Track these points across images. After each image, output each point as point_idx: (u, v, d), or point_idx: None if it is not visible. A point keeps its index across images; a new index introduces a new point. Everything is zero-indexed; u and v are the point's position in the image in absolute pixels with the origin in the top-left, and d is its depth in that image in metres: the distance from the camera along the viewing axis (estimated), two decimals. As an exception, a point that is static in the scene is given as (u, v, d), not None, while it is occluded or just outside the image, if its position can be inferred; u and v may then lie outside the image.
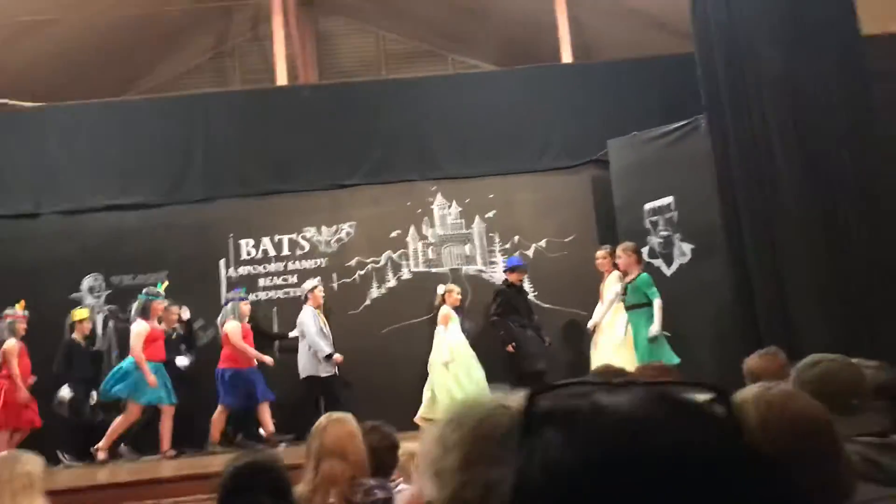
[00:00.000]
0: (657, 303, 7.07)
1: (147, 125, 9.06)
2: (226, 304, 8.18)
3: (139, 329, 7.61)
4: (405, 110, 9.20)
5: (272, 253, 9.00)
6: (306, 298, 8.26)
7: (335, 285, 8.83)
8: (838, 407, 1.92)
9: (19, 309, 7.86)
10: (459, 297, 8.31)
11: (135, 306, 7.83)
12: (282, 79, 9.85)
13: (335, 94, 9.54)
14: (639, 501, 0.49)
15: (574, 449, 0.52)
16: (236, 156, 9.07)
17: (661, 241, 8.03)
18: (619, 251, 7.33)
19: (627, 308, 7.26)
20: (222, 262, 8.90)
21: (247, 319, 8.07)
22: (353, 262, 8.94)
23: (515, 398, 1.83)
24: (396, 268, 8.96)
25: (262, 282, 8.90)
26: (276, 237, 9.01)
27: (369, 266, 8.87)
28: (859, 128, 5.83)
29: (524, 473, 0.54)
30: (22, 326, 7.75)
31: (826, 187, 5.96)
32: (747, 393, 1.83)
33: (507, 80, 9.57)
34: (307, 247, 9.02)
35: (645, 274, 7.31)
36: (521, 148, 9.09)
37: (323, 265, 8.96)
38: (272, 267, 8.90)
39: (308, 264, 8.91)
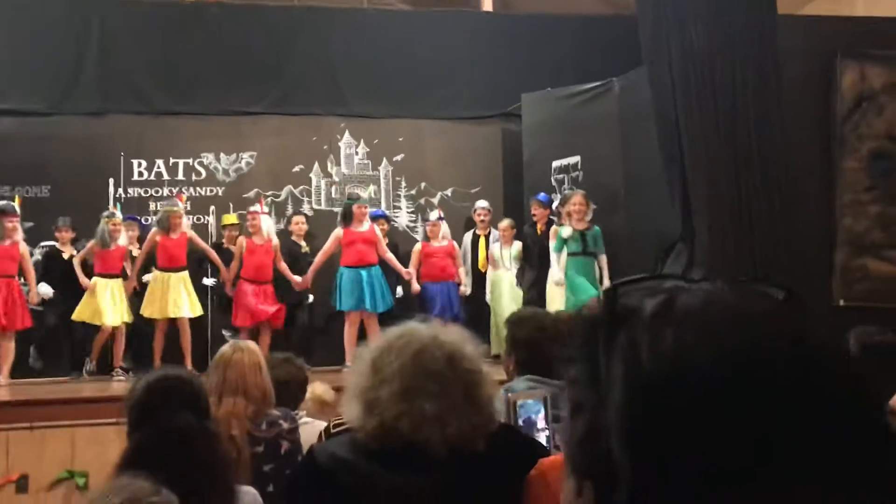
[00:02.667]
0: (604, 258, 7.20)
1: (36, 25, 8.37)
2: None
3: None
4: (317, 41, 8.89)
5: (166, 176, 8.57)
6: None
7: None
8: None
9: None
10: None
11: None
12: (189, -7, 9.30)
13: (245, 16, 9.10)
14: (762, 386, 0.51)
15: (694, 341, 0.52)
16: (133, 70, 8.54)
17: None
18: (580, 198, 7.23)
19: (583, 254, 7.20)
20: (111, 181, 8.41)
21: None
22: (251, 194, 8.63)
23: (450, 331, 1.80)
24: (297, 203, 8.72)
25: (152, 205, 8.48)
26: (171, 160, 8.59)
27: (269, 199, 8.59)
28: (769, 104, 6.03)
29: (635, 366, 0.53)
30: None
31: (734, 163, 6.14)
32: None
33: (424, 21, 9.39)
34: (204, 173, 8.65)
35: (598, 228, 7.34)
36: (434, 93, 8.97)
37: (219, 194, 8.62)
38: (165, 191, 8.48)
39: (204, 191, 8.54)
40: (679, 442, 0.50)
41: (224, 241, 8.04)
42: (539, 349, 2.80)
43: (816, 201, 6.61)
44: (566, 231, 7.24)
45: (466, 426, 1.64)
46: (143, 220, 8.18)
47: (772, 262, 5.83)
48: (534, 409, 2.19)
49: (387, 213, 8.62)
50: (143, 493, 1.51)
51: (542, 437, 2.18)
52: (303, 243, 8.10)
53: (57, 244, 7.73)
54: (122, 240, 7.37)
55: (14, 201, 7.51)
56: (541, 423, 2.18)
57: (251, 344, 3.31)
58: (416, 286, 7.78)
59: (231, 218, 8.13)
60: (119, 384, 6.82)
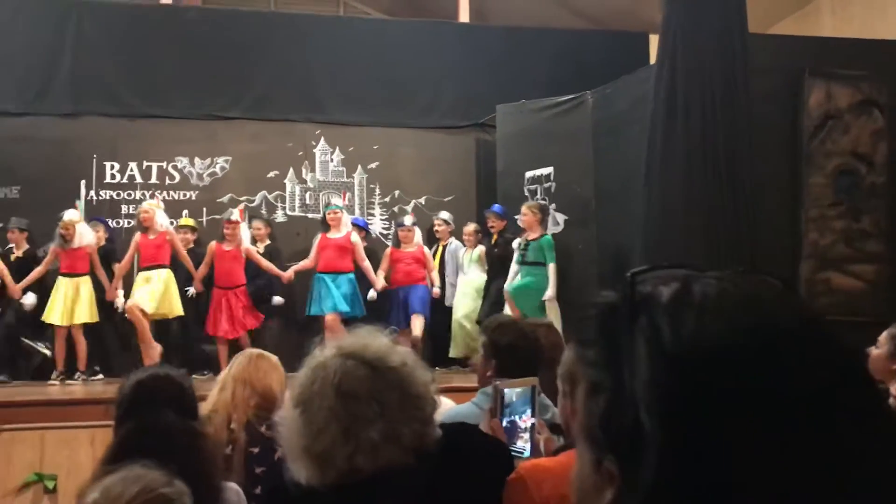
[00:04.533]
0: (553, 267, 7.28)
1: (10, 26, 8.31)
2: None
3: None
4: (293, 47, 8.91)
5: (139, 180, 8.53)
6: None
7: (204, 221, 8.49)
8: None
9: None
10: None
11: None
12: (165, -3, 9.28)
13: (221, 21, 9.11)
14: (779, 358, 0.56)
15: (713, 322, 0.58)
16: (108, 72, 8.49)
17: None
18: (525, 209, 7.40)
19: (523, 264, 7.35)
20: (83, 183, 8.35)
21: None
22: (225, 199, 8.62)
23: (358, 338, 1.66)
24: (271, 209, 8.72)
25: (125, 209, 8.43)
26: (145, 163, 8.55)
27: (242, 204, 8.57)
28: (738, 121, 6.17)
29: (658, 347, 0.58)
30: None
31: (702, 175, 6.27)
32: None
33: (401, 30, 9.45)
34: (178, 177, 8.61)
35: (549, 236, 7.45)
36: (410, 102, 9.03)
37: (193, 198, 8.59)
38: (138, 194, 8.43)
39: (177, 196, 8.51)
40: (706, 411, 0.55)
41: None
42: (520, 356, 2.84)
43: (783, 215, 6.76)
44: (515, 242, 7.43)
45: (417, 424, 1.57)
46: (109, 223, 8.11)
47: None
48: (519, 410, 2.14)
49: (366, 221, 8.63)
50: (157, 483, 1.55)
51: (523, 441, 2.14)
52: (260, 247, 8.08)
53: (10, 247, 7.67)
54: (86, 240, 7.31)
55: None
56: (522, 424, 2.14)
57: (270, 354, 3.31)
58: (379, 285, 7.86)
59: (188, 221, 8.09)
60: (90, 387, 6.77)
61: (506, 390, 2.13)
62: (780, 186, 6.98)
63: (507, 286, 7.42)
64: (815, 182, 7.40)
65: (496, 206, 8.09)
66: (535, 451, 2.12)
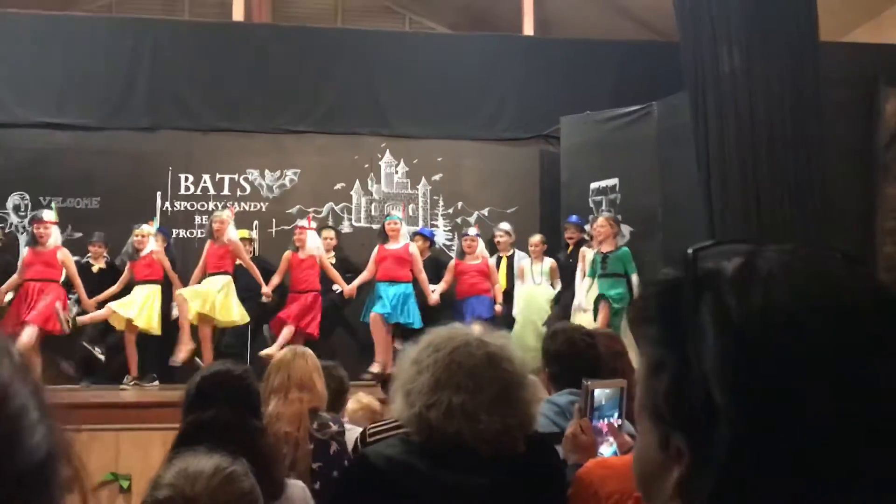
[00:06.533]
0: (636, 278, 7.18)
1: (91, 44, 8.69)
2: None
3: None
4: (360, 62, 9.07)
5: (212, 191, 8.78)
6: None
7: (273, 231, 8.69)
8: None
9: None
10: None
11: None
12: (237, 15, 9.56)
13: (290, 38, 9.33)
14: (852, 329, 0.57)
15: (782, 295, 0.58)
16: (183, 88, 8.79)
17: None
18: (603, 221, 7.29)
19: (604, 276, 7.23)
20: (158, 195, 8.64)
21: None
22: (293, 210, 8.81)
23: (496, 335, 1.86)
24: (338, 220, 8.87)
25: (198, 219, 8.69)
26: (218, 175, 8.80)
27: (311, 213, 8.74)
28: (808, 130, 6.05)
29: (725, 321, 0.58)
30: None
31: (770, 186, 6.16)
32: None
33: (466, 44, 9.53)
34: (248, 189, 8.84)
35: (626, 248, 7.36)
36: (474, 115, 9.09)
37: (263, 209, 8.80)
38: (211, 205, 8.68)
39: (248, 207, 8.73)
40: (778, 383, 0.55)
41: None
42: (569, 363, 2.83)
43: (857, 227, 6.59)
44: (590, 254, 7.33)
45: (498, 424, 1.66)
46: (171, 233, 8.26)
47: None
48: (607, 412, 2.10)
49: (432, 231, 8.68)
50: (226, 462, 1.62)
51: (608, 444, 2.13)
52: (331, 256, 8.20)
53: (90, 257, 7.93)
54: (151, 247, 7.48)
55: (51, 209, 7.68)
56: (613, 424, 2.11)
57: (307, 350, 3.42)
58: (433, 299, 7.80)
59: (243, 233, 8.22)
60: (163, 392, 6.96)
61: (596, 391, 2.09)
62: (854, 198, 6.81)
63: (577, 302, 7.25)
64: (890, 192, 7.20)
65: (574, 217, 8.00)
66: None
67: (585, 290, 7.30)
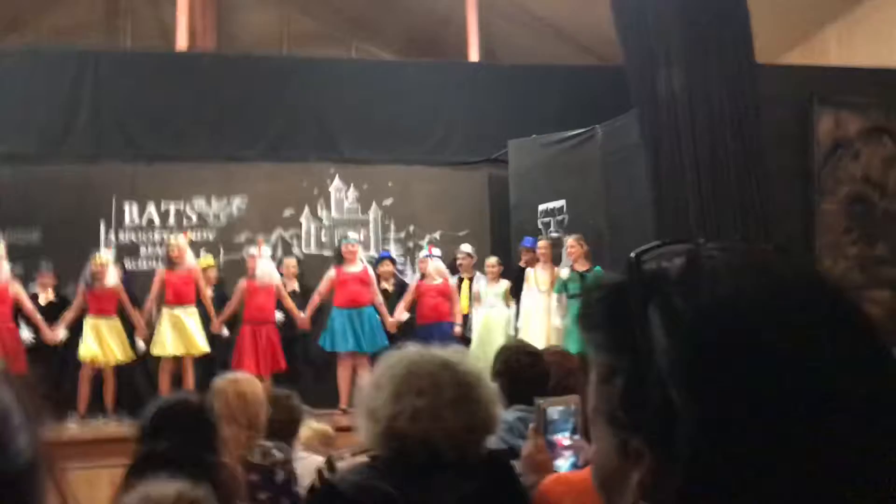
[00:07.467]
0: None
1: (31, 74, 8.52)
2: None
3: None
4: (307, 90, 9.07)
5: (157, 221, 8.65)
6: None
7: (221, 260, 8.58)
8: None
9: None
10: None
11: None
12: (181, 43, 9.49)
13: (237, 66, 9.30)
14: (797, 316, 0.58)
15: (728, 289, 0.59)
16: (127, 117, 8.68)
17: (550, 241, 8.27)
18: (573, 241, 7.36)
19: (575, 297, 7.20)
20: (102, 225, 8.47)
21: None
22: (241, 238, 8.72)
23: (448, 349, 1.89)
24: (287, 247, 8.80)
25: (143, 250, 8.54)
26: (163, 205, 8.67)
27: (260, 237, 8.64)
28: (749, 149, 6.22)
29: (675, 320, 0.58)
30: None
31: (713, 204, 6.30)
32: None
33: (413, 71, 9.61)
34: (195, 218, 8.73)
35: (599, 267, 7.41)
36: (423, 140, 9.15)
37: (210, 238, 8.69)
38: (156, 236, 8.55)
39: (195, 236, 8.61)
40: (733, 377, 0.56)
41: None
42: (515, 380, 2.85)
43: (796, 243, 6.77)
44: (565, 272, 7.38)
45: (463, 422, 1.71)
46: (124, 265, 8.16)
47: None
48: (561, 427, 2.13)
49: (392, 254, 8.67)
50: (188, 487, 1.59)
51: (564, 459, 2.15)
52: (295, 285, 8.18)
53: (38, 288, 7.75)
54: (112, 280, 7.39)
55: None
56: (566, 441, 2.14)
57: (245, 377, 3.38)
58: (392, 321, 7.80)
59: (208, 260, 8.16)
60: (112, 427, 6.79)
61: (549, 409, 2.13)
62: (793, 214, 7.00)
63: (556, 321, 7.31)
64: (827, 209, 7.42)
65: (528, 240, 8.09)
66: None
67: (560, 311, 7.36)
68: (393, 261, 8.44)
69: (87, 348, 7.19)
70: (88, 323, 7.28)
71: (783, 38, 8.56)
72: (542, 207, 8.42)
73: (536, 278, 7.68)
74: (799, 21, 8.81)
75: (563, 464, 2.15)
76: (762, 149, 6.22)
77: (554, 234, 8.25)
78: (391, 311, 7.89)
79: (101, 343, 7.22)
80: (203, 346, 7.42)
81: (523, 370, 2.86)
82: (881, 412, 0.56)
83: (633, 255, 0.63)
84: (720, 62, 6.35)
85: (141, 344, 7.55)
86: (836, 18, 8.87)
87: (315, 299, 7.82)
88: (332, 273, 7.77)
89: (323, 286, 7.77)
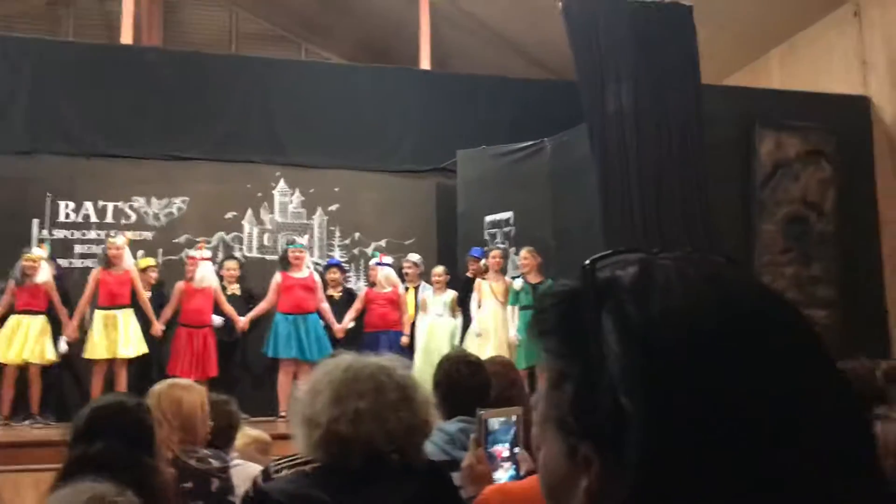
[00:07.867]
0: None
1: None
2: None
3: None
4: (254, 90, 8.93)
5: (94, 219, 8.39)
6: None
7: (160, 261, 8.36)
8: None
9: None
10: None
11: None
12: (126, 37, 9.26)
13: (183, 63, 9.11)
14: (746, 325, 0.59)
15: (679, 299, 0.59)
16: (65, 111, 8.39)
17: (502, 252, 8.28)
18: (526, 253, 7.38)
19: (526, 308, 7.24)
20: (36, 223, 8.18)
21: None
22: (181, 239, 8.51)
23: (381, 357, 1.87)
24: (228, 250, 8.63)
25: (78, 248, 8.27)
26: (101, 203, 8.42)
27: (202, 241, 8.46)
28: (693, 167, 6.33)
29: (627, 328, 0.59)
30: None
31: (656, 220, 6.40)
32: None
33: (364, 75, 9.54)
34: (133, 217, 8.50)
35: (551, 280, 7.41)
36: (371, 146, 9.08)
37: (149, 238, 8.46)
38: (92, 234, 8.29)
39: (133, 235, 8.37)
40: (683, 385, 0.56)
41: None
42: (455, 390, 2.82)
43: (735, 260, 6.91)
44: (518, 283, 7.40)
45: (405, 423, 1.73)
46: (58, 263, 7.92)
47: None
48: (502, 438, 2.13)
49: (341, 261, 8.58)
50: (108, 492, 1.50)
51: (504, 470, 2.14)
52: (236, 288, 8.02)
53: None
54: (43, 276, 7.16)
55: None
56: (505, 453, 2.14)
57: (182, 382, 3.29)
58: (339, 328, 7.74)
59: (148, 261, 7.98)
60: (37, 430, 6.55)
61: (490, 420, 2.12)
62: (733, 232, 7.15)
63: (512, 334, 7.33)
64: (766, 229, 7.60)
65: (476, 250, 8.08)
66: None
67: (510, 319, 7.40)
68: (341, 268, 8.35)
69: (8, 347, 6.92)
70: (13, 320, 7.02)
71: (729, 60, 8.75)
72: (489, 218, 8.43)
73: (493, 289, 7.67)
74: (744, 44, 9.02)
75: (503, 475, 2.15)
76: (706, 166, 6.34)
77: (500, 246, 8.27)
78: (339, 319, 7.80)
79: (23, 341, 6.97)
80: (135, 349, 7.21)
81: (464, 380, 2.83)
82: (829, 415, 0.57)
83: (587, 262, 0.64)
84: (668, 81, 6.45)
85: (63, 345, 7.30)
86: (780, 43, 9.11)
87: (262, 306, 7.71)
88: (277, 278, 7.65)
89: (272, 294, 7.65)
